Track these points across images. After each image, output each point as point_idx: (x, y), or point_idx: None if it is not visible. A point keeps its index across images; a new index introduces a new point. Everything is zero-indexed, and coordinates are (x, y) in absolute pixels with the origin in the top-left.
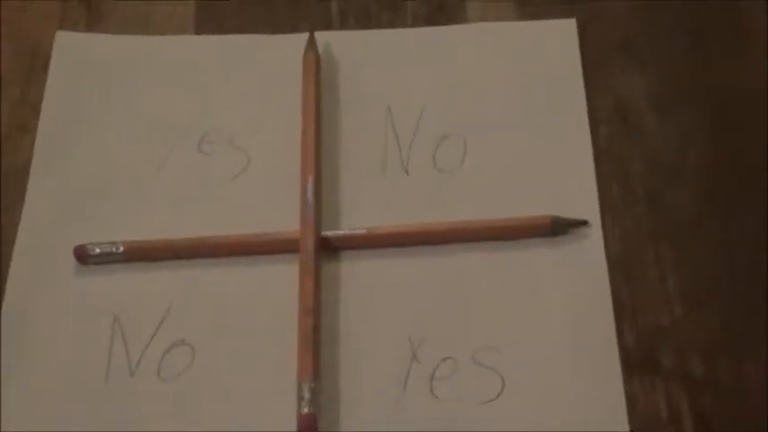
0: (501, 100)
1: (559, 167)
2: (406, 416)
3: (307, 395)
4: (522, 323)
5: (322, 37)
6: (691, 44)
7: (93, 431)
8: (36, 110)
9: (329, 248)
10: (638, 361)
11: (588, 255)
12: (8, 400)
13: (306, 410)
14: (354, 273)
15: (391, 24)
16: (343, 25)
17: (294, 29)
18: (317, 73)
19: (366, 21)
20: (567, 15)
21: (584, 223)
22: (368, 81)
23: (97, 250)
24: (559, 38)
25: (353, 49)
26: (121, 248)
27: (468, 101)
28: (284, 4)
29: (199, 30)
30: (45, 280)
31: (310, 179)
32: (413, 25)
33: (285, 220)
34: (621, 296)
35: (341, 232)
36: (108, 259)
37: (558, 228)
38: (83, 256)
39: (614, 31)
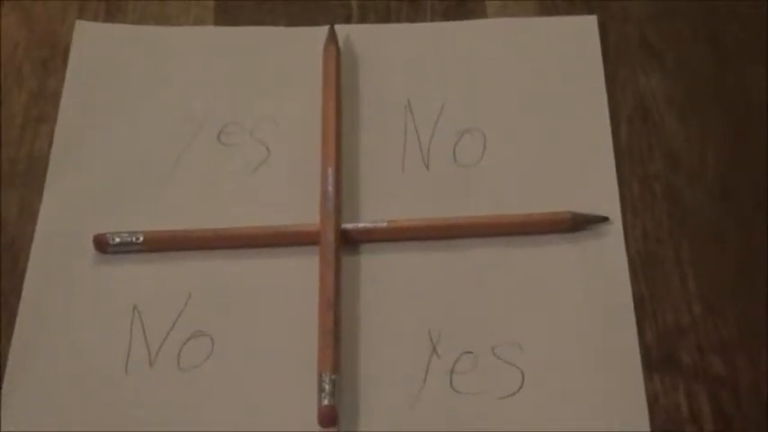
0: (521, 95)
1: (580, 163)
2: (425, 409)
3: (327, 387)
4: (541, 318)
5: (342, 30)
6: (710, 46)
7: (114, 420)
8: (54, 100)
9: (349, 241)
10: (659, 359)
11: (608, 251)
12: (26, 390)
13: (326, 402)
14: (374, 266)
15: (410, 19)
16: (363, 20)
17: (313, 23)
18: (338, 65)
19: (385, 16)
20: (588, 13)
21: (605, 219)
22: (388, 75)
23: (117, 240)
24: (580, 34)
25: (373, 43)
26: (141, 238)
27: (488, 96)
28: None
29: (218, 23)
30: (64, 269)
31: (331, 171)
32: (432, 20)
33: (305, 212)
34: (641, 294)
35: (361, 225)
36: (127, 249)
37: (578, 223)
38: (102, 245)
39: (634, 30)
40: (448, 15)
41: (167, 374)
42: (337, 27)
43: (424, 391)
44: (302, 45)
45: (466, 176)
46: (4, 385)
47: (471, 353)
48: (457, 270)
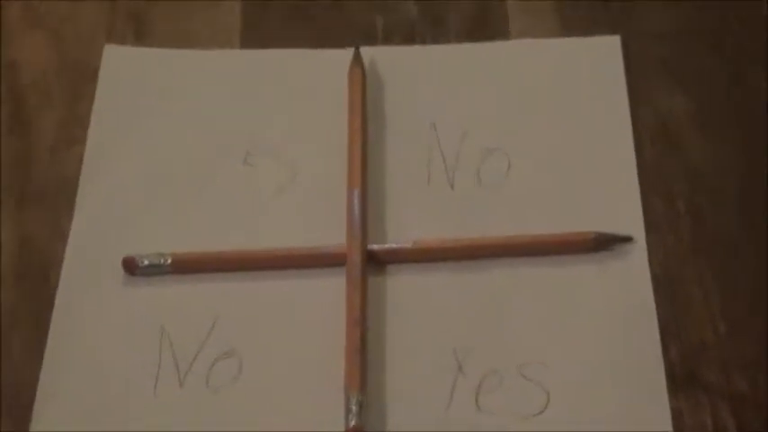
0: (545, 116)
1: (603, 184)
2: (451, 428)
3: (354, 408)
4: (567, 338)
5: (367, 52)
6: (731, 64)
7: None
8: (83, 122)
9: (375, 262)
10: (683, 377)
11: (633, 271)
12: (56, 411)
13: (353, 423)
14: (400, 286)
15: (435, 41)
16: (387, 41)
17: (338, 44)
18: (363, 87)
19: (410, 37)
20: (610, 33)
21: (629, 239)
22: (413, 96)
23: (146, 262)
24: (604, 55)
25: (398, 65)
26: (169, 260)
27: (512, 117)
28: (328, 20)
29: (244, 44)
30: (94, 290)
31: (356, 193)
32: (456, 41)
33: (331, 233)
34: (665, 313)
35: (387, 246)
36: (156, 271)
37: (602, 244)
38: (131, 267)
39: (655, 50)
40: (472, 36)
41: (197, 395)
42: (362, 49)
43: (450, 409)
44: (328, 67)
45: (490, 197)
46: (35, 406)
47: (497, 372)
48: (482, 290)
